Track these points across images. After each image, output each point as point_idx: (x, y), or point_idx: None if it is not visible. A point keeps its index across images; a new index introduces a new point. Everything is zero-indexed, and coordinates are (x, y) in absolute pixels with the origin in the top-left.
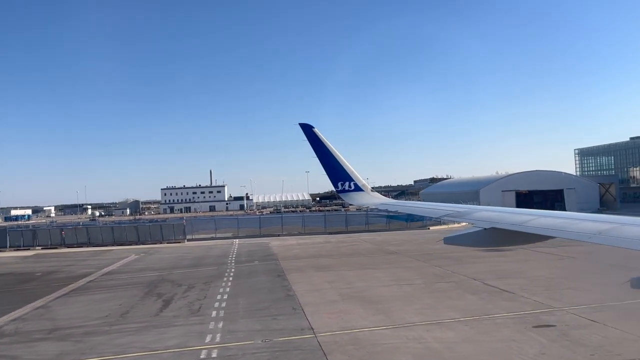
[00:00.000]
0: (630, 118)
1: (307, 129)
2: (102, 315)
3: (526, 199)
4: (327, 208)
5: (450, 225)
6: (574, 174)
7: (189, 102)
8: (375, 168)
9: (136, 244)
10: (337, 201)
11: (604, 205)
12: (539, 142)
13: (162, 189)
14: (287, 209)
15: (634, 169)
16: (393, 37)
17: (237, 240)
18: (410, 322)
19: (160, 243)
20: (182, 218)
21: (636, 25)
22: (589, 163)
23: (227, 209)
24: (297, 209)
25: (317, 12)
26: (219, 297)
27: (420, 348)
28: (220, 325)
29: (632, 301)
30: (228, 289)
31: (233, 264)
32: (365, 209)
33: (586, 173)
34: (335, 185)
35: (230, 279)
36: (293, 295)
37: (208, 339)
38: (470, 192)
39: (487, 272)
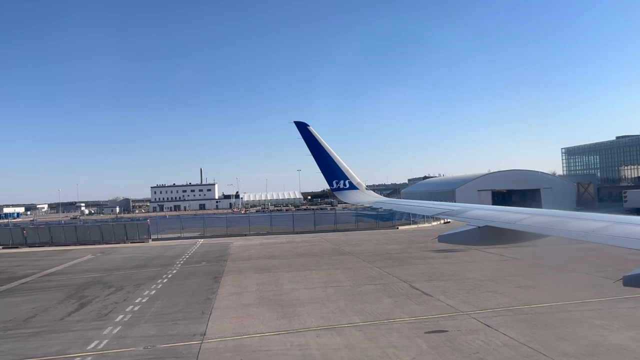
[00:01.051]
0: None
1: (302, 127)
2: (6, 319)
3: (503, 198)
4: (313, 207)
5: (420, 225)
6: (561, 172)
7: (182, 100)
8: (370, 166)
9: (99, 244)
10: (329, 200)
11: (583, 205)
12: (533, 141)
13: (151, 187)
14: (276, 208)
15: (625, 167)
16: (386, 35)
17: (202, 240)
18: (306, 327)
19: (124, 243)
20: (164, 216)
21: (625, 26)
22: (576, 162)
23: (217, 208)
24: (284, 207)
25: (309, 10)
26: (138, 300)
27: (298, 355)
28: (116, 330)
29: (538, 305)
30: (154, 292)
31: (180, 265)
32: (355, 207)
33: (572, 172)
34: (330, 184)
35: (165, 281)
36: (212, 299)
37: (92, 345)
38: (447, 191)
39: (422, 274)
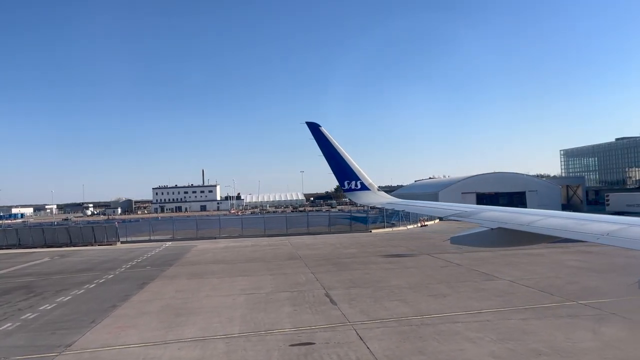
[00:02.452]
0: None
1: (314, 128)
2: None
3: (487, 201)
4: (310, 208)
5: (396, 228)
6: (560, 174)
7: (191, 102)
8: (378, 167)
9: (67, 246)
10: (330, 201)
11: (570, 208)
12: (543, 143)
13: (153, 188)
14: (276, 209)
15: (630, 169)
16: (398, 36)
17: (169, 243)
18: (178, 339)
19: (92, 245)
20: (157, 218)
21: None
22: (575, 164)
23: (218, 209)
24: (281, 209)
25: (322, 11)
26: (44, 306)
27: None
28: None
29: (431, 316)
30: (69, 298)
31: (123, 269)
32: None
33: (571, 174)
34: (342, 184)
35: (92, 286)
36: (118, 306)
37: None
38: (431, 193)
39: (350, 280)
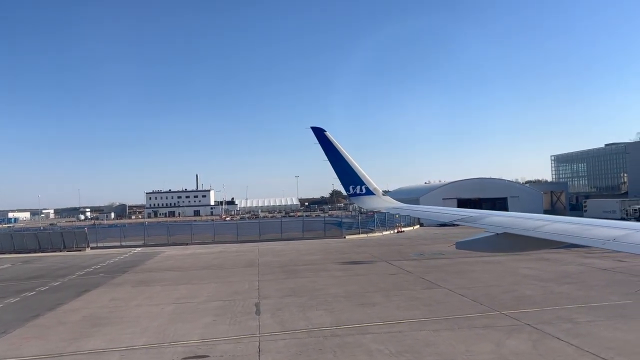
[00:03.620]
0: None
1: (319, 133)
2: None
3: (469, 207)
4: (302, 213)
5: (371, 234)
6: (550, 179)
7: (192, 106)
8: (380, 170)
9: (35, 252)
10: (325, 207)
11: (554, 213)
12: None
13: (146, 193)
14: (269, 214)
15: (625, 174)
16: (402, 38)
17: (139, 249)
18: (76, 351)
19: (61, 251)
20: (145, 223)
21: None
22: (565, 169)
23: (211, 214)
24: (271, 214)
25: (326, 14)
26: None
27: None
28: None
29: (348, 326)
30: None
31: (75, 276)
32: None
33: (562, 179)
34: (347, 189)
35: (31, 294)
36: (40, 316)
37: None
38: (412, 199)
39: (293, 288)
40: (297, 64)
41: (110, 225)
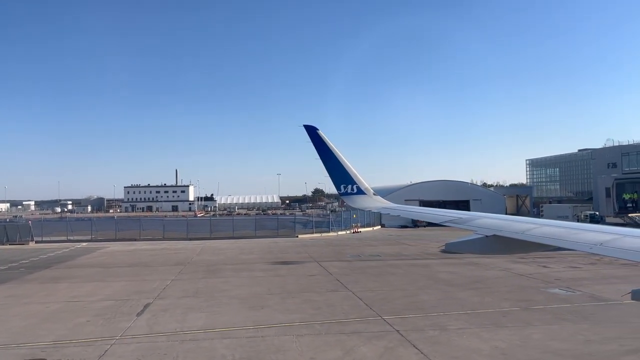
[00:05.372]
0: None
1: (311, 131)
2: None
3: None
4: (272, 212)
5: (324, 234)
6: (525, 183)
7: (183, 101)
8: (374, 168)
9: None
10: (302, 205)
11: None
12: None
13: (125, 187)
14: (247, 212)
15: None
16: (396, 37)
17: (85, 243)
18: None
19: (3, 244)
20: (114, 217)
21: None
22: (540, 173)
23: (190, 209)
24: (247, 210)
25: (320, 11)
26: None
27: None
28: None
29: (215, 330)
30: None
31: None
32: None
33: (535, 183)
34: (338, 188)
35: None
36: None
37: None
38: None
39: (196, 289)
40: (287, 60)
41: (78, 219)
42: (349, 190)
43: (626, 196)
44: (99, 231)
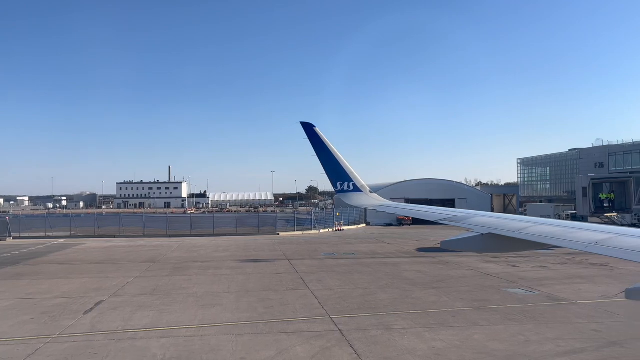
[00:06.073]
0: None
1: (308, 128)
2: None
3: None
4: (263, 209)
5: (306, 232)
6: (517, 182)
7: (183, 96)
8: (371, 165)
9: None
10: (295, 203)
11: None
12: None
13: (117, 183)
14: (239, 209)
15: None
16: (393, 34)
17: (63, 240)
18: None
19: None
20: (102, 213)
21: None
22: (530, 173)
23: (182, 206)
24: (237, 208)
25: (316, 8)
26: None
27: None
28: None
29: (158, 329)
30: None
31: None
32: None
33: (526, 183)
34: (335, 185)
35: None
36: None
37: None
38: None
39: (157, 286)
40: (282, 58)
41: (66, 215)
42: (346, 188)
43: (602, 196)
44: (80, 227)
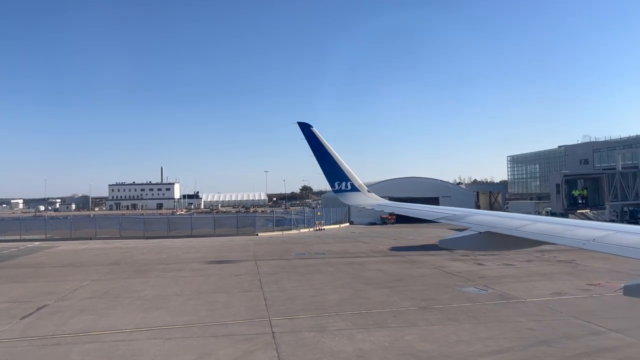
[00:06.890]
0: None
1: (306, 128)
2: None
3: None
4: (252, 209)
5: (286, 232)
6: (507, 179)
7: (176, 97)
8: (364, 164)
9: None
10: (287, 203)
11: None
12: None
13: (109, 185)
14: (234, 209)
15: None
16: (389, 33)
17: (37, 242)
18: None
19: None
20: (90, 215)
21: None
22: (520, 170)
23: (174, 207)
24: (229, 208)
25: (312, 7)
26: None
27: None
28: None
29: (90, 333)
30: None
31: None
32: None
33: (516, 180)
34: (332, 185)
35: None
36: None
37: None
38: None
39: (106, 290)
40: (278, 58)
41: (53, 217)
42: (343, 188)
43: (575, 192)
44: (57, 230)
